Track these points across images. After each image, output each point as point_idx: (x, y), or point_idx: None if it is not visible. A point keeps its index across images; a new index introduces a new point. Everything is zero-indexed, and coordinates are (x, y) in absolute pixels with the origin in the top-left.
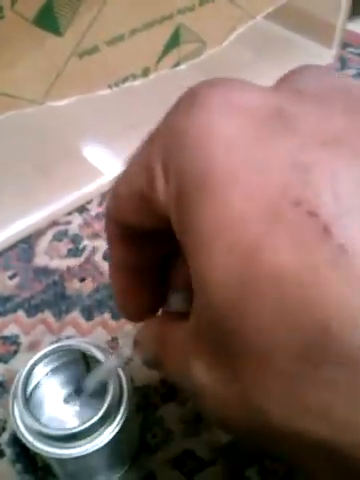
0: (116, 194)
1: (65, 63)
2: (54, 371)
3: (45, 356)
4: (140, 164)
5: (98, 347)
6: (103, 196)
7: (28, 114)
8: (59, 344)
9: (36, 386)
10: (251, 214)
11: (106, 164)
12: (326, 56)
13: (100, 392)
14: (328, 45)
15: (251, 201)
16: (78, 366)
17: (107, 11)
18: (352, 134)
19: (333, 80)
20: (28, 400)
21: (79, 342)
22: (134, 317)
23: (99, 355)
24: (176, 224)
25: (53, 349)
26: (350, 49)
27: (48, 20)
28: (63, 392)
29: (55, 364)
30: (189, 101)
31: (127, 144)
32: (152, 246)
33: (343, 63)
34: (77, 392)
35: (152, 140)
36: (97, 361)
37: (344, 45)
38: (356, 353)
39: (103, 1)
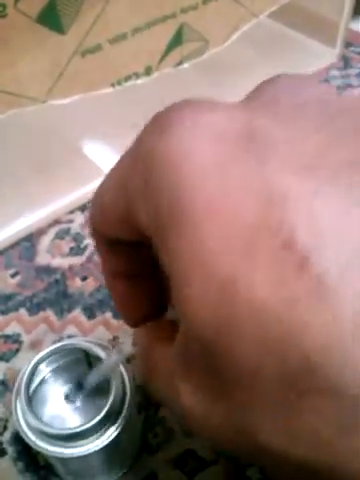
0: (100, 204)
1: (68, 61)
2: (57, 370)
3: (48, 355)
4: (122, 181)
5: (100, 346)
6: None
7: (30, 112)
8: (62, 343)
9: (39, 385)
10: (226, 246)
11: (108, 162)
12: (329, 55)
13: (103, 391)
14: (331, 44)
15: (226, 233)
16: (81, 365)
17: (110, 10)
18: (328, 153)
19: (307, 93)
20: (31, 399)
21: (82, 341)
22: (133, 323)
23: (101, 354)
24: (156, 248)
25: (56, 348)
26: (353, 48)
27: (51, 18)
28: (66, 391)
29: (58, 363)
30: (161, 125)
31: (129, 142)
32: (141, 254)
33: (346, 62)
34: (80, 391)
35: (132, 159)
36: (99, 360)
37: (347, 44)
38: (339, 383)
39: (106, 0)
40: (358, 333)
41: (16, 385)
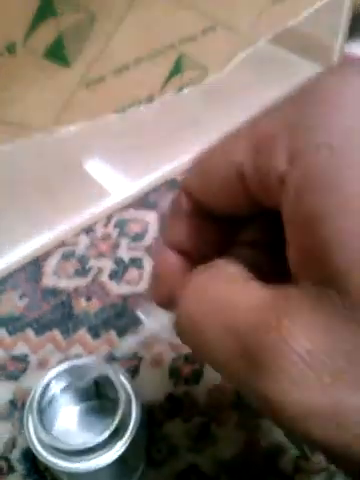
0: (203, 169)
1: (73, 93)
2: (67, 388)
3: (59, 374)
4: (246, 142)
5: (108, 365)
6: (108, 217)
7: (37, 139)
8: (72, 362)
9: (50, 402)
10: None
11: (112, 185)
12: None
13: (110, 409)
14: (327, 66)
15: None
16: (89, 383)
17: (113, 43)
18: None
19: None
20: (42, 415)
21: (91, 361)
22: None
23: (110, 373)
24: (294, 205)
25: (67, 367)
26: None
27: (57, 53)
28: (75, 408)
29: (67, 381)
30: (318, 84)
31: (133, 165)
32: (216, 231)
33: None
34: (88, 408)
35: (270, 118)
36: (107, 378)
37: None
38: None
39: (109, 33)
40: None
41: (28, 403)
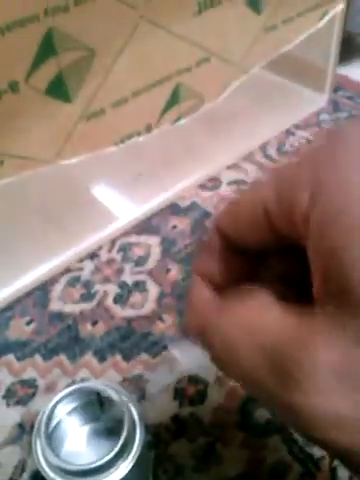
0: (233, 209)
1: (74, 126)
2: (72, 411)
3: (65, 397)
4: (272, 183)
5: (113, 388)
6: (112, 242)
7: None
8: (77, 386)
9: (57, 425)
10: None
11: (115, 210)
12: (319, 100)
13: (115, 429)
14: (320, 90)
15: None
16: (94, 405)
17: (112, 76)
18: None
19: None
20: (50, 438)
21: (96, 384)
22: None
23: (114, 395)
24: (317, 238)
25: (72, 391)
26: (341, 92)
27: (58, 89)
28: (82, 430)
29: (73, 404)
30: (340, 132)
31: (135, 191)
32: (243, 262)
33: (335, 106)
34: (94, 430)
35: (293, 163)
36: (112, 401)
37: (336, 89)
38: None
39: (108, 67)
40: None
41: (36, 426)
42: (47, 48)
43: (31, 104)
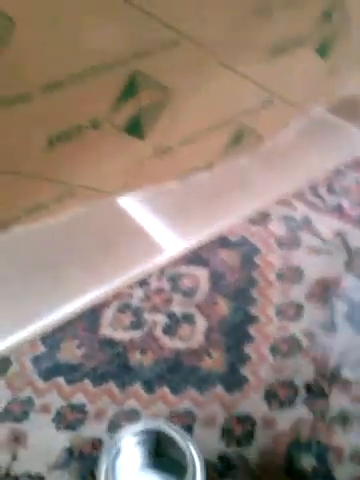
0: None
1: (143, 162)
2: (135, 445)
3: (132, 433)
4: None
5: (176, 430)
6: (161, 271)
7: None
8: (146, 426)
9: (119, 458)
10: None
11: (166, 241)
12: None
13: (171, 466)
14: None
15: None
16: (154, 442)
17: (182, 116)
18: None
19: None
20: (114, 470)
21: (161, 424)
22: None
23: (177, 437)
24: None
25: (140, 428)
26: None
27: (135, 127)
28: (141, 464)
29: (134, 439)
30: None
31: (186, 223)
32: None
33: None
34: (153, 465)
35: None
36: (172, 441)
37: None
38: None
39: (180, 108)
40: None
41: (101, 457)
42: (130, 89)
43: (109, 140)
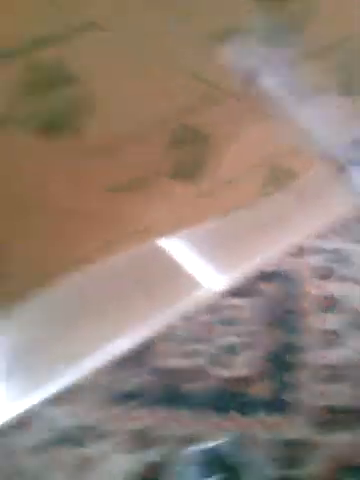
0: None
1: (189, 204)
2: (193, 466)
3: (190, 456)
4: None
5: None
6: (204, 305)
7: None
8: (204, 447)
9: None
10: None
11: (206, 277)
12: None
13: None
14: None
15: None
16: (212, 465)
17: (222, 162)
18: None
19: None
20: None
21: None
22: None
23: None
24: None
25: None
26: None
27: (183, 173)
28: None
29: (194, 460)
30: None
31: (226, 258)
32: None
33: None
34: None
35: None
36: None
37: None
38: None
39: (220, 154)
40: None
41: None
42: (176, 140)
43: (158, 187)
